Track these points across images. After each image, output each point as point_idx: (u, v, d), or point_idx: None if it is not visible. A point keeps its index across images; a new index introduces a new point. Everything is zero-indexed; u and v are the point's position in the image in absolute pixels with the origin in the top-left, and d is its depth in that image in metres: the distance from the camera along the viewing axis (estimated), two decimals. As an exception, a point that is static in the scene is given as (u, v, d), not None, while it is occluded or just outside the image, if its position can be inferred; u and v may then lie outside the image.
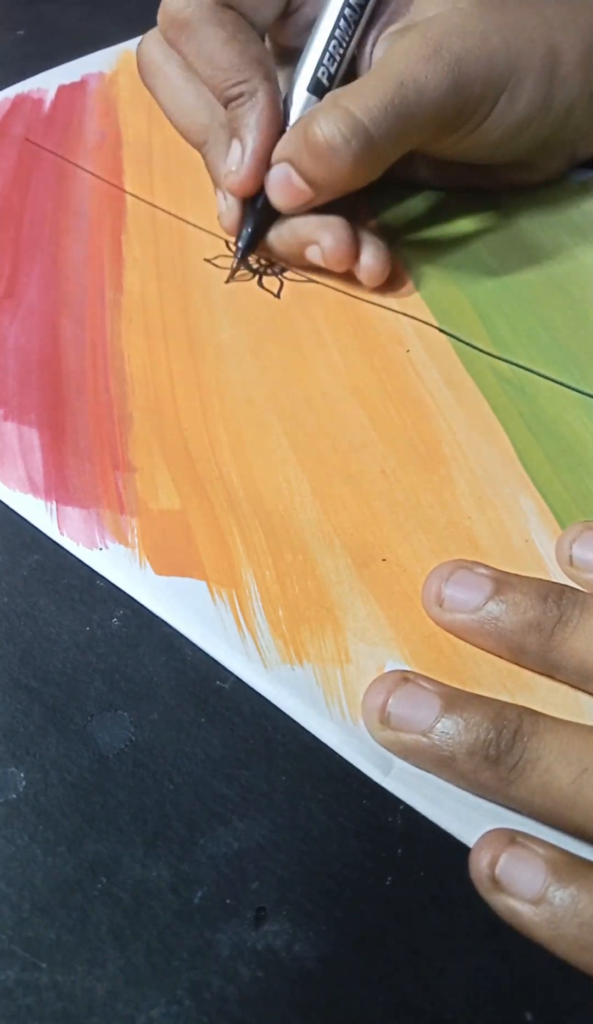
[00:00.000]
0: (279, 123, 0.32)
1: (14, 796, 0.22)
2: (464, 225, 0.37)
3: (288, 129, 0.32)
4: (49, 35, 0.53)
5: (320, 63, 0.33)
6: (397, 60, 0.30)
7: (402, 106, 0.30)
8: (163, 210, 0.39)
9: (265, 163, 0.32)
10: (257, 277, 0.35)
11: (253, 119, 0.32)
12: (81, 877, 0.20)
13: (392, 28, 0.33)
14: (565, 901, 0.18)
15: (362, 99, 0.30)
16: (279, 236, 0.34)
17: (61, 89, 0.47)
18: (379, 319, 0.33)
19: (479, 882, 0.19)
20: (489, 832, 0.20)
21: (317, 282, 0.35)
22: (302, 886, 0.20)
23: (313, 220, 0.33)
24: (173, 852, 0.21)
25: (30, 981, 0.19)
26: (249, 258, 0.36)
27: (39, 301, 0.34)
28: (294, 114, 0.33)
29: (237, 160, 0.32)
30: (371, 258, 0.33)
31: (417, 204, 0.38)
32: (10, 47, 0.52)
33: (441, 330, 0.32)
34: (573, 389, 0.30)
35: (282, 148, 0.32)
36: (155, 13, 0.34)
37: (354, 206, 0.34)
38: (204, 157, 0.35)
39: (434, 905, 0.20)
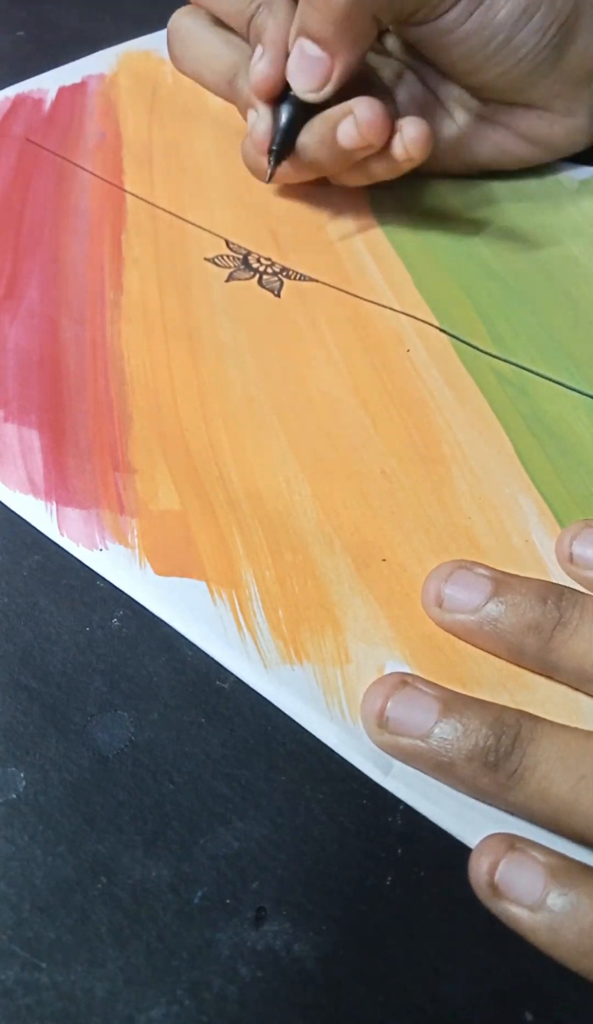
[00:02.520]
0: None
1: (14, 796, 0.22)
2: (465, 225, 0.37)
3: None
4: (49, 35, 0.53)
5: None
6: None
7: None
8: (163, 210, 0.39)
9: (285, 54, 0.33)
10: (257, 277, 0.35)
11: (271, 20, 0.32)
12: (81, 877, 0.20)
13: None
14: (565, 907, 0.18)
15: None
16: (311, 133, 0.33)
17: (61, 90, 0.47)
18: (379, 319, 0.33)
19: (478, 888, 0.19)
20: (488, 837, 0.20)
21: (317, 281, 0.35)
22: (302, 886, 0.20)
23: (341, 105, 0.32)
24: (173, 852, 0.21)
25: (30, 981, 0.19)
26: (249, 258, 0.36)
27: (39, 301, 0.34)
28: None
29: (258, 57, 0.33)
30: (413, 127, 0.32)
31: (418, 205, 0.38)
32: (10, 47, 0.52)
33: (441, 330, 0.32)
34: (573, 389, 0.30)
35: (293, 27, 0.32)
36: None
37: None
38: (234, 95, 0.35)
39: (434, 905, 0.20)
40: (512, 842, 0.19)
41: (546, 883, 0.19)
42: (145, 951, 0.19)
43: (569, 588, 0.23)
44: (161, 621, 0.25)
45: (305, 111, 0.33)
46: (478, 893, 0.19)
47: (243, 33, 0.34)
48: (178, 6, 0.38)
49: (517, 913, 0.19)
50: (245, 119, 0.35)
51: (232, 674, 0.23)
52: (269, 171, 0.34)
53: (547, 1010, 0.19)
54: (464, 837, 0.20)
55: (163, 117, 0.44)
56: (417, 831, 0.21)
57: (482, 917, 0.19)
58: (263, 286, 0.35)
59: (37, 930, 0.20)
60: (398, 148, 0.32)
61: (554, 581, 0.23)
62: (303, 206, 0.38)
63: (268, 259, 0.36)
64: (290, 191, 0.38)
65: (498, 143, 0.37)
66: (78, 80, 0.48)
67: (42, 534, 0.27)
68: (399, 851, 0.21)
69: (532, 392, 0.30)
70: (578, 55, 0.34)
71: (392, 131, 0.32)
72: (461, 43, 0.33)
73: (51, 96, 0.46)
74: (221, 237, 0.37)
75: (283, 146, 0.34)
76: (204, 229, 0.38)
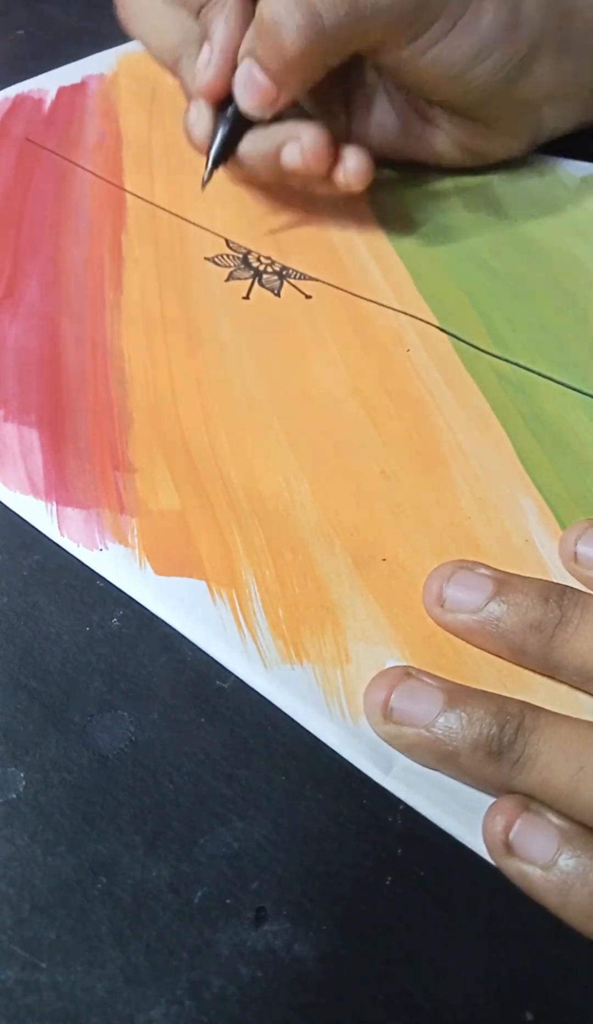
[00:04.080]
0: (249, 23, 0.32)
1: (14, 796, 0.22)
2: (465, 225, 0.37)
3: None
4: (49, 35, 0.53)
5: None
6: None
7: None
8: (163, 209, 0.39)
9: (233, 63, 0.32)
10: (257, 276, 0.35)
11: (222, 19, 0.32)
12: (81, 877, 0.20)
13: None
14: (576, 869, 0.19)
15: None
16: (253, 144, 0.33)
17: (61, 90, 0.47)
18: (379, 318, 0.33)
19: (493, 846, 0.20)
20: (504, 798, 0.20)
21: (318, 281, 0.35)
22: (302, 886, 0.20)
23: (288, 123, 0.33)
24: (173, 852, 0.21)
25: (30, 981, 0.19)
26: (249, 257, 0.36)
27: (39, 301, 0.34)
28: None
29: (205, 60, 0.32)
30: (354, 157, 0.32)
31: (418, 204, 0.38)
32: (10, 47, 0.52)
33: (442, 329, 0.32)
34: (573, 389, 0.30)
35: (244, 44, 0.32)
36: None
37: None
38: (178, 75, 0.34)
39: (434, 905, 0.20)
40: (527, 804, 0.20)
41: (559, 845, 0.19)
42: (145, 951, 0.19)
43: (571, 587, 0.23)
44: (161, 621, 0.25)
45: (248, 119, 0.33)
46: (491, 851, 0.20)
47: (192, 14, 0.33)
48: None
49: (529, 871, 0.19)
50: (187, 100, 0.34)
51: (232, 674, 0.23)
52: (205, 176, 0.34)
53: (547, 1010, 0.19)
54: (464, 837, 0.20)
55: (163, 117, 0.44)
56: (417, 831, 0.21)
57: (482, 917, 0.19)
58: (263, 285, 0.35)
59: (37, 930, 0.20)
60: (339, 176, 0.33)
61: (555, 581, 0.23)
62: (303, 205, 0.38)
63: (268, 258, 0.36)
64: (290, 191, 0.38)
65: (432, 144, 0.37)
66: (78, 80, 0.48)
67: (42, 534, 0.27)
68: (399, 851, 0.21)
69: (532, 391, 0.30)
70: (529, 87, 0.34)
71: (336, 158, 0.32)
72: (416, 71, 0.33)
73: (51, 96, 0.46)
74: (221, 236, 0.37)
75: (221, 154, 0.34)
76: (204, 229, 0.38)
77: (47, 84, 0.47)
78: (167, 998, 0.19)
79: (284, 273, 0.35)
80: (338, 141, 0.33)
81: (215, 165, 0.34)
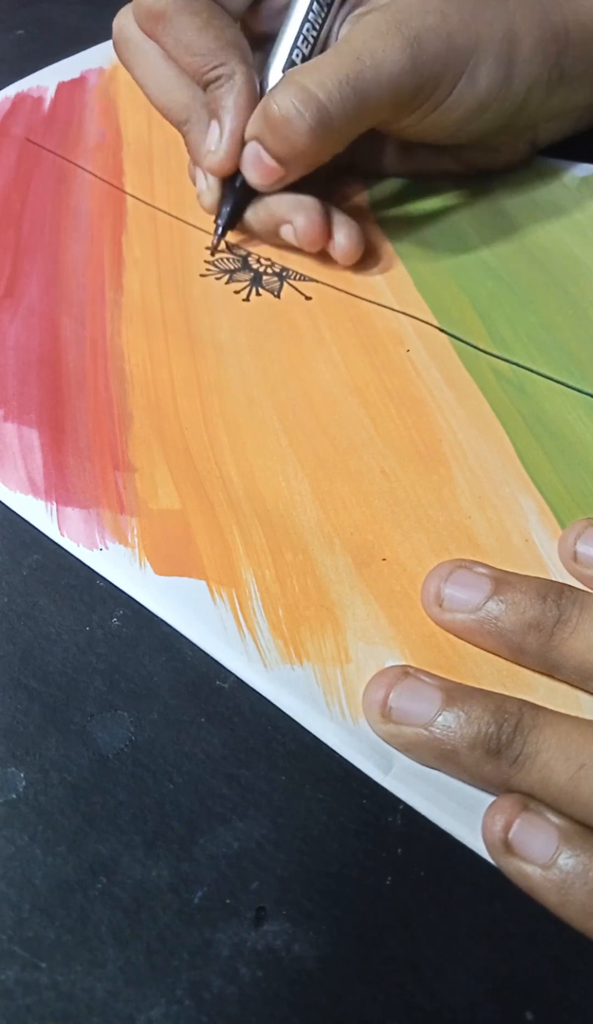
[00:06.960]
0: (255, 104, 0.33)
1: (14, 796, 0.22)
2: (465, 224, 0.37)
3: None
4: (49, 34, 0.53)
5: (294, 45, 0.33)
6: (355, 37, 0.31)
7: (358, 80, 0.30)
8: (163, 211, 0.39)
9: (241, 143, 0.33)
10: (257, 278, 0.35)
11: (231, 100, 0.33)
12: (81, 877, 0.20)
13: (359, 10, 0.34)
14: (576, 868, 0.19)
15: (317, 74, 0.30)
16: (255, 215, 0.35)
17: (61, 87, 0.47)
18: (379, 318, 0.33)
19: (492, 845, 0.20)
20: (503, 797, 0.20)
21: (317, 281, 0.35)
22: (302, 886, 0.20)
23: (287, 199, 0.34)
24: (173, 852, 0.21)
25: (30, 981, 0.19)
26: (250, 259, 0.36)
27: (39, 300, 0.34)
28: None
29: (215, 140, 0.33)
30: (344, 238, 0.34)
31: (417, 205, 0.38)
32: (10, 47, 0.52)
33: (441, 329, 0.32)
34: (573, 388, 0.30)
35: (250, 127, 0.33)
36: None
37: (328, 187, 0.35)
38: (185, 136, 0.35)
39: (434, 905, 0.20)
40: (526, 803, 0.20)
41: (558, 844, 0.19)
42: (145, 951, 0.19)
43: (569, 586, 0.23)
44: (161, 621, 0.25)
45: (253, 191, 0.34)
46: (490, 850, 0.20)
47: (199, 86, 0.34)
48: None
49: (528, 870, 0.19)
50: (193, 162, 0.36)
51: (232, 674, 0.23)
52: (214, 242, 0.36)
53: (547, 1010, 0.19)
54: (464, 837, 0.20)
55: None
56: (417, 831, 0.21)
57: (482, 917, 0.19)
58: (263, 287, 0.35)
59: (37, 930, 0.20)
60: (331, 252, 0.34)
61: (554, 580, 0.23)
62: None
63: (268, 260, 0.36)
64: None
65: (433, 163, 0.38)
66: (77, 75, 0.48)
67: (42, 534, 0.27)
68: (399, 851, 0.21)
69: (532, 391, 0.30)
70: (523, 119, 0.35)
71: (329, 234, 0.34)
72: (416, 133, 0.34)
73: (50, 94, 0.46)
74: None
75: (228, 226, 0.35)
76: (204, 230, 0.38)
77: (46, 80, 0.47)
78: (167, 998, 0.19)
79: (284, 274, 0.35)
80: (330, 218, 0.34)
81: (224, 232, 0.35)
